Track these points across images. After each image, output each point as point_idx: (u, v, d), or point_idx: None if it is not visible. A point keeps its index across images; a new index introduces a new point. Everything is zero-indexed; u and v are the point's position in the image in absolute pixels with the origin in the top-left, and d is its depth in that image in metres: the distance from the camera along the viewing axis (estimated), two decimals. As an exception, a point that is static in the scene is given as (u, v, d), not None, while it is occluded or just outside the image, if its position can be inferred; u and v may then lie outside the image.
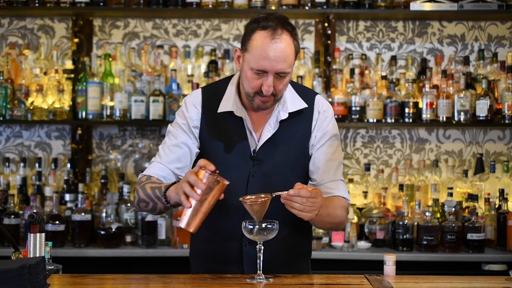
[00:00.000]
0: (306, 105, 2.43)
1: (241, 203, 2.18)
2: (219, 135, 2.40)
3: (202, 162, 2.10)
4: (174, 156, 2.40)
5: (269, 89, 2.27)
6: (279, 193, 2.16)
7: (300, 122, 2.43)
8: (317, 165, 2.43)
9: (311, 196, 2.13)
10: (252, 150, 2.39)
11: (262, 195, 2.16)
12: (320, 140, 2.44)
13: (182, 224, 2.10)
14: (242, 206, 2.19)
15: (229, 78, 2.48)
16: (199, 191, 2.06)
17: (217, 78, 4.18)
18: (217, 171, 2.09)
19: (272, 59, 2.23)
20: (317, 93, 2.51)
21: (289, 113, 2.40)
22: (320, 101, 2.47)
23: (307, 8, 4.18)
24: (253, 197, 2.16)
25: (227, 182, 2.10)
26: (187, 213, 2.09)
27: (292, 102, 2.41)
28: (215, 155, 2.38)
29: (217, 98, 2.42)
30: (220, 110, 2.40)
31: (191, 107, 2.44)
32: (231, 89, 2.42)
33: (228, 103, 2.39)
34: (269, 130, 2.39)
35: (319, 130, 2.44)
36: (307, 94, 2.47)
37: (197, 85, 4.17)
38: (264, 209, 2.16)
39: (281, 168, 2.40)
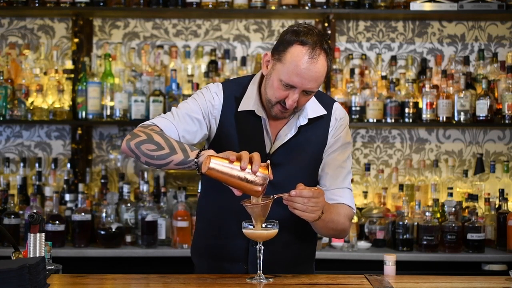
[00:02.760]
0: (325, 112, 2.42)
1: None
2: (236, 132, 2.38)
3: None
4: (187, 126, 2.34)
5: (293, 103, 2.26)
6: (281, 194, 2.15)
7: (317, 128, 2.42)
8: (326, 170, 2.43)
9: (313, 196, 2.13)
10: (267, 152, 2.38)
11: (264, 197, 2.14)
12: (332, 146, 2.44)
13: (212, 162, 2.07)
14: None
15: (250, 77, 2.46)
16: (248, 169, 2.05)
17: (217, 78, 4.18)
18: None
19: (304, 78, 2.21)
20: (335, 101, 2.51)
21: (308, 120, 2.39)
22: (338, 109, 2.47)
23: (307, 8, 4.18)
24: (255, 200, 2.15)
25: (253, 201, 2.12)
26: (221, 162, 2.07)
27: (312, 108, 2.40)
28: (229, 150, 2.36)
29: (237, 95, 2.41)
30: (240, 108, 2.38)
31: (216, 96, 2.40)
32: (252, 88, 2.40)
33: (249, 102, 2.38)
34: (286, 135, 2.38)
35: (333, 137, 2.44)
36: (326, 101, 2.46)
37: (197, 85, 4.17)
38: (266, 212, 2.15)
39: (294, 172, 2.38)
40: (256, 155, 2.08)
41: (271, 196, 2.15)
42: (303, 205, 2.14)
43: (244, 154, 2.08)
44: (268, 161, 2.14)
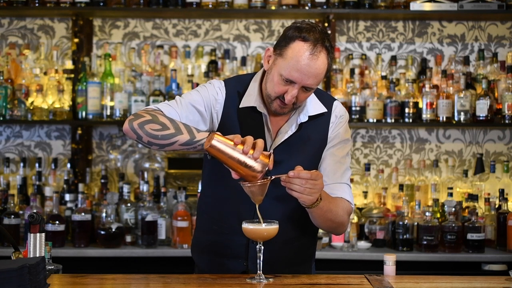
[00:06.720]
0: (325, 110, 2.44)
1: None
2: (237, 128, 2.38)
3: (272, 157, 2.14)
4: (190, 115, 2.35)
5: (292, 99, 2.27)
6: (279, 175, 2.16)
7: (317, 125, 2.43)
8: (324, 165, 2.43)
9: (311, 177, 2.13)
10: (268, 148, 2.38)
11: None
12: (331, 141, 2.44)
13: (215, 139, 2.10)
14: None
15: (252, 75, 2.48)
16: (249, 154, 2.08)
17: (217, 78, 4.18)
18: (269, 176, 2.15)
19: (304, 74, 2.23)
20: (335, 99, 2.53)
21: (308, 117, 2.40)
22: (338, 107, 2.49)
23: (307, 8, 4.18)
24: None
25: (249, 184, 2.13)
26: (225, 142, 2.11)
27: (312, 106, 2.42)
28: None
29: (239, 92, 2.42)
30: (242, 105, 2.39)
31: (219, 91, 2.42)
32: (254, 85, 2.41)
33: (251, 99, 2.39)
34: (286, 132, 2.39)
35: (332, 133, 2.45)
36: (326, 99, 2.48)
37: (197, 85, 4.16)
38: (263, 192, 2.16)
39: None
40: (260, 142, 2.11)
41: (269, 177, 2.16)
42: (301, 187, 2.13)
43: (249, 138, 2.11)
44: (271, 151, 2.18)
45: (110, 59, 4.20)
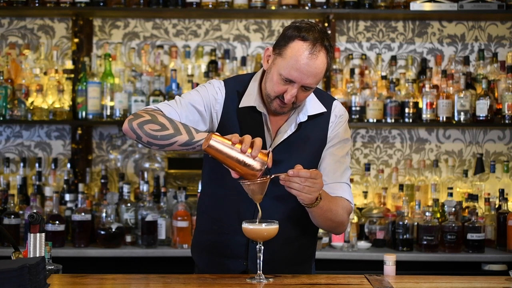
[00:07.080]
0: (325, 109, 2.44)
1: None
2: (237, 128, 2.38)
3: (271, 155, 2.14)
4: (189, 115, 2.35)
5: (291, 98, 2.28)
6: (278, 174, 2.16)
7: (317, 125, 2.43)
8: (324, 165, 2.43)
9: (310, 176, 2.13)
10: (267, 148, 2.38)
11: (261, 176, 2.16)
12: (330, 141, 2.45)
13: (212, 139, 2.10)
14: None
15: (251, 75, 2.48)
16: (248, 152, 2.09)
17: (217, 78, 4.18)
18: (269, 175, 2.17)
19: (304, 73, 2.24)
20: (335, 98, 2.53)
21: (308, 116, 2.40)
22: (337, 106, 2.49)
23: (307, 8, 4.18)
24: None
25: (249, 182, 2.14)
26: (223, 141, 2.12)
27: (312, 105, 2.42)
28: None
29: (238, 92, 2.42)
30: (242, 105, 2.40)
31: (218, 91, 2.42)
32: (253, 85, 2.42)
33: (250, 98, 2.39)
34: (286, 131, 2.40)
35: (332, 133, 2.45)
36: (326, 99, 2.48)
37: (197, 85, 4.16)
38: (263, 190, 2.16)
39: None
40: (258, 141, 2.11)
41: (268, 176, 2.16)
42: (300, 185, 2.14)
43: (247, 137, 2.12)
44: (270, 149, 2.19)
45: (110, 59, 4.21)
